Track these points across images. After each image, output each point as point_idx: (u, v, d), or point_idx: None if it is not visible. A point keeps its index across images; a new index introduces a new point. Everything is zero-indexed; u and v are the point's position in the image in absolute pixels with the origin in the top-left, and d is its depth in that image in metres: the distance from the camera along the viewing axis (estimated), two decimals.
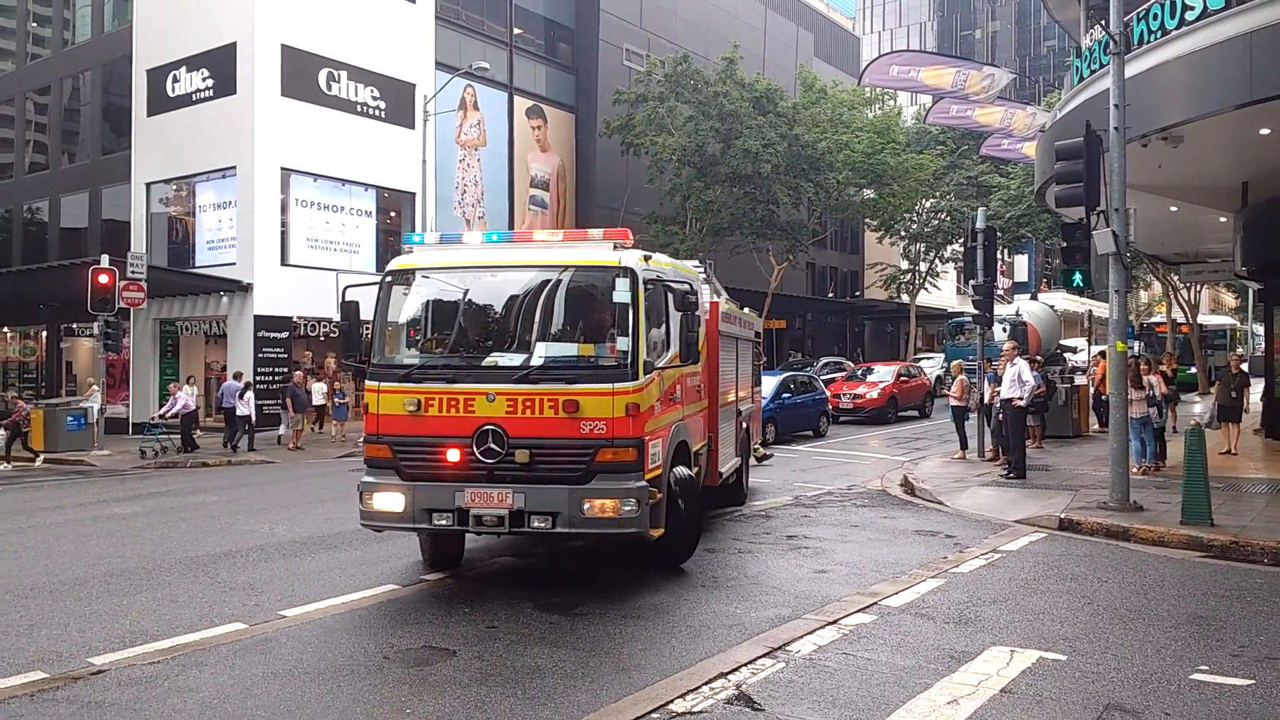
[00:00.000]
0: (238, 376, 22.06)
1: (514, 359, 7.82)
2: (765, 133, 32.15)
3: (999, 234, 28.80)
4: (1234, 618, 7.27)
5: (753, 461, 16.13)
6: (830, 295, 51.47)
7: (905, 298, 45.89)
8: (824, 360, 37.77)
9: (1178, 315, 39.58)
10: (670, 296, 8.35)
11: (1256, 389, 21.68)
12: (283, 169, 25.80)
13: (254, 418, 21.23)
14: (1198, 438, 10.64)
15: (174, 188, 28.33)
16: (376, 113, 28.06)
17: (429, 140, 27.00)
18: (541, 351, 7.80)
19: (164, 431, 21.04)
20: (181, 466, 19.50)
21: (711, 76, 32.64)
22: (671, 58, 32.95)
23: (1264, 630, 6.91)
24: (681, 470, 8.66)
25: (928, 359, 38.25)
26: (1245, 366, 19.24)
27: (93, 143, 31.82)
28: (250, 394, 21.33)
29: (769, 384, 20.01)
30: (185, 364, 28.03)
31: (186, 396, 21.51)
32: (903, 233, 43.44)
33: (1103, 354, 15.82)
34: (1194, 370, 34.85)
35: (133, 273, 21.77)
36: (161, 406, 23.05)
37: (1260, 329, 31.23)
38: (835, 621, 7.04)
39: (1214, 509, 10.44)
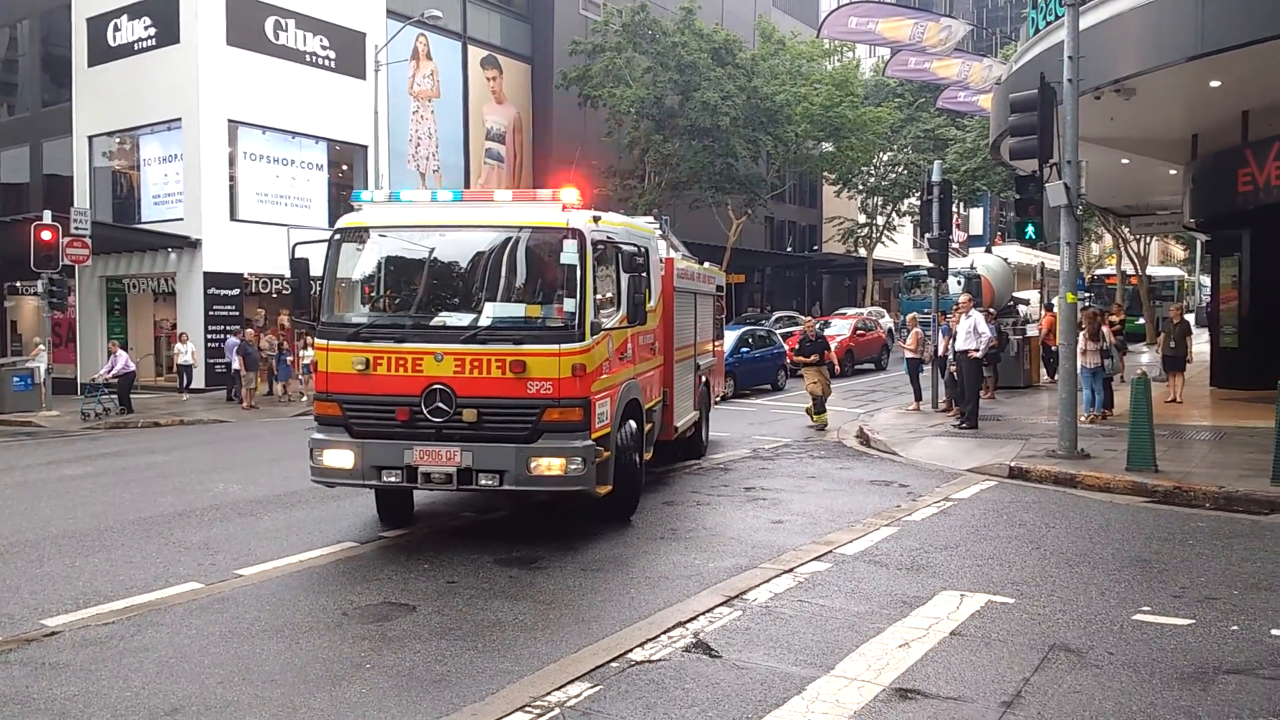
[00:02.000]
0: (234, 333, 22.83)
1: (462, 319, 7.88)
2: (724, 85, 31.87)
3: (955, 187, 28.92)
4: (1176, 560, 7.51)
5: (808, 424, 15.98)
6: (789, 249, 51.55)
7: (863, 251, 46.12)
8: (777, 315, 37.81)
9: (1127, 267, 40.25)
10: (619, 257, 8.39)
11: (1199, 338, 22.19)
12: (230, 121, 25.12)
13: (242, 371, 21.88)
14: (1143, 386, 10.89)
15: (117, 141, 27.53)
16: (326, 63, 27.36)
17: (381, 91, 26.42)
18: (489, 312, 7.88)
19: (105, 392, 20.64)
20: (133, 426, 19.19)
21: (669, 26, 32.21)
22: (629, 7, 32.42)
23: (1204, 572, 7.14)
24: (629, 426, 8.73)
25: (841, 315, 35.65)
26: (1190, 317, 19.68)
27: (32, 95, 30.72)
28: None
29: (728, 338, 20.09)
30: (134, 322, 27.47)
31: (126, 356, 21.42)
32: (860, 186, 43.53)
33: (1048, 307, 16.12)
34: (1142, 321, 35.54)
35: (76, 229, 21.19)
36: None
37: (1208, 280, 31.87)
38: (791, 570, 7.16)
39: (1158, 456, 10.73)
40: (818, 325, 18.84)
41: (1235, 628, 5.83)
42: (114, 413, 20.27)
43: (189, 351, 23.17)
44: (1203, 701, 4.75)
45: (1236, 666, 5.22)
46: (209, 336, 24.30)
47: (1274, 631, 5.74)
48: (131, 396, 21.06)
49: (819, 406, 16.03)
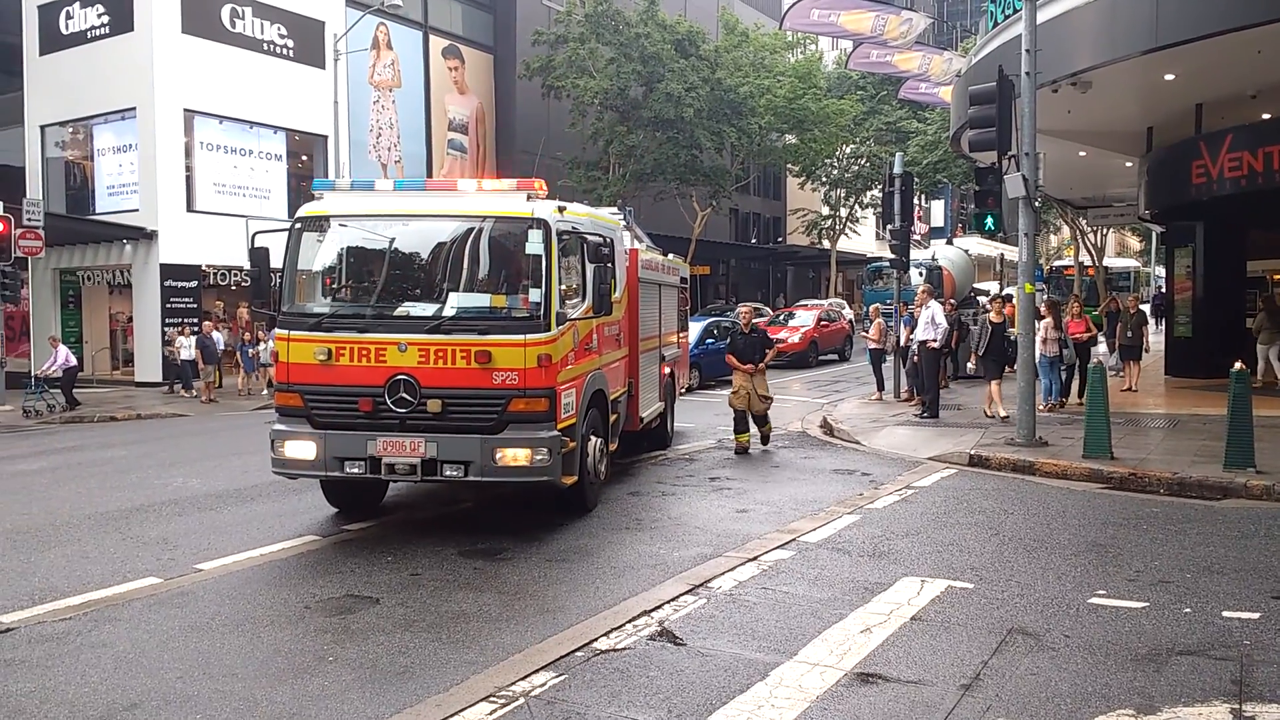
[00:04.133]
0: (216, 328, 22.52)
1: (426, 309, 7.84)
2: (687, 76, 31.88)
3: (916, 179, 29.18)
4: (1130, 545, 7.66)
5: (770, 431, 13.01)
6: (753, 241, 51.72)
7: (826, 243, 46.41)
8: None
9: (1085, 258, 40.86)
10: (585, 247, 8.36)
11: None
12: (185, 110, 24.68)
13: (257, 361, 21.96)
14: (1099, 375, 11.09)
15: (70, 130, 26.93)
16: (284, 51, 26.95)
17: (340, 81, 26.10)
18: (454, 302, 7.83)
19: (47, 388, 20.12)
20: (88, 421, 18.83)
21: (633, 17, 32.14)
22: None
23: (1158, 556, 7.29)
24: (591, 418, 8.70)
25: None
26: (1146, 308, 20.02)
27: None
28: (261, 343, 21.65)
29: (694, 330, 20.13)
30: (89, 315, 26.96)
31: (67, 350, 20.90)
32: (823, 178, 43.77)
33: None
34: (1098, 312, 36.10)
35: (29, 220, 20.74)
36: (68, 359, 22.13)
37: (1162, 271, 32.49)
38: (755, 558, 7.21)
39: (1114, 443, 10.93)
40: (754, 314, 14.25)
41: (1188, 610, 5.96)
42: (59, 409, 19.83)
43: (190, 345, 21.64)
44: (1156, 682, 4.85)
45: (1189, 648, 5.33)
46: (165, 329, 23.86)
47: (1225, 613, 5.87)
48: (75, 391, 20.54)
49: (740, 425, 12.34)
